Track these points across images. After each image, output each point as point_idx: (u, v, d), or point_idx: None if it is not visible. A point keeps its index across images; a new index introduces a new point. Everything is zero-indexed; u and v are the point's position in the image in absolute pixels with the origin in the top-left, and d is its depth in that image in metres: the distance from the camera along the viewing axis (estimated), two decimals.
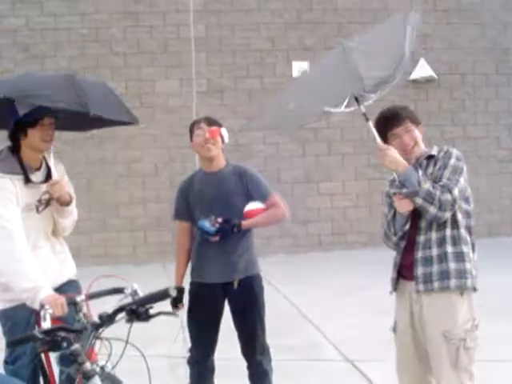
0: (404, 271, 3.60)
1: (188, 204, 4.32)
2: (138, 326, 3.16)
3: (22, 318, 3.70)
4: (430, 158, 3.59)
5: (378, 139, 3.54)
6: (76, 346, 2.80)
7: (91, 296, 3.37)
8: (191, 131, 4.32)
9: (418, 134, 3.65)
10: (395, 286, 3.65)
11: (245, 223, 4.14)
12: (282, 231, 11.50)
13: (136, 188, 12.11)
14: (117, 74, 11.75)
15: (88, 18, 12.05)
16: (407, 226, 3.57)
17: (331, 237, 12.54)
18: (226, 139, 4.32)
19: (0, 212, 3.56)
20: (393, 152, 3.46)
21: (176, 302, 4.21)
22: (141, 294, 3.27)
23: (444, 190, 3.34)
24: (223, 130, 4.30)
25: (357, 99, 3.60)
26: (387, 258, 3.97)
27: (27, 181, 3.73)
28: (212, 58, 12.31)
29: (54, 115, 3.76)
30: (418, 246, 3.51)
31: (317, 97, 3.69)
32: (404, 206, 3.45)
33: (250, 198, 4.22)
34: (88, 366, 2.84)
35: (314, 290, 8.84)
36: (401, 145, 3.58)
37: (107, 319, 2.98)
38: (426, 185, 3.36)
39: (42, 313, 3.18)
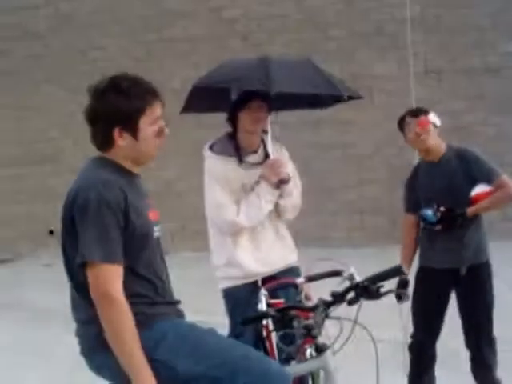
0: None
1: (414, 196, 4.22)
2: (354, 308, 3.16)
3: (242, 299, 3.85)
4: None
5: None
6: (310, 321, 2.86)
7: (310, 278, 3.42)
8: (401, 129, 4.25)
9: None
10: None
11: (470, 210, 3.98)
12: (506, 215, 10.94)
13: (353, 171, 12.09)
14: (331, 58, 11.78)
15: (302, 4, 12.20)
16: None
17: None
18: (438, 123, 4.16)
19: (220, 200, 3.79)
20: None
21: (401, 295, 4.16)
22: (357, 278, 3.25)
23: None
24: (431, 116, 4.14)
25: None
26: None
27: (240, 161, 3.87)
28: (429, 38, 11.94)
29: (263, 98, 3.85)
30: None
31: None
32: None
33: (475, 180, 4.03)
34: (321, 340, 2.89)
35: None
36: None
37: (339, 297, 3.01)
38: None
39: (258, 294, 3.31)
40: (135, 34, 12.54)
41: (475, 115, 11.56)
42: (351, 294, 3.02)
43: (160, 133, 2.78)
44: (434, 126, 4.13)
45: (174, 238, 12.30)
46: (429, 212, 3.99)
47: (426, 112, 4.17)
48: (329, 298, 3.02)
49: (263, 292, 3.42)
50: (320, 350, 2.89)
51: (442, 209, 3.95)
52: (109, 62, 12.04)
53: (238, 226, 3.81)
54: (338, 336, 2.96)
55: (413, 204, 4.25)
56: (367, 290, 2.99)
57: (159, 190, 12.14)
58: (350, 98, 4.00)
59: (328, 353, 2.90)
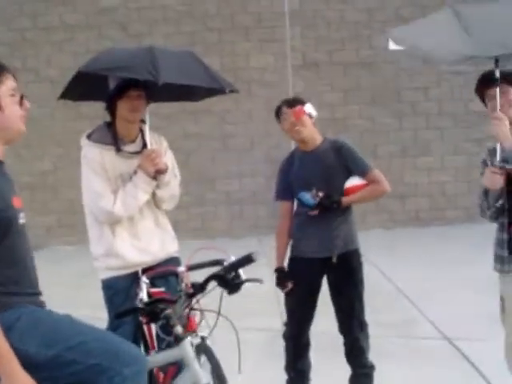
0: None
1: (289, 184, 4.30)
2: (235, 299, 3.20)
3: (121, 290, 3.82)
4: None
5: (498, 106, 3.40)
6: (168, 311, 2.91)
7: (192, 267, 3.43)
8: (278, 118, 4.30)
9: None
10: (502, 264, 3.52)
11: (345, 199, 4.11)
12: (379, 206, 11.38)
13: (232, 162, 12.21)
14: (211, 50, 11.81)
15: None
16: (501, 201, 3.44)
17: (429, 212, 12.28)
18: (314, 113, 4.25)
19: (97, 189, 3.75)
20: (506, 124, 3.34)
21: (282, 283, 4.25)
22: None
23: None
24: (308, 107, 4.22)
25: (497, 61, 3.45)
26: (488, 234, 3.85)
27: (118, 150, 3.84)
28: (307, 32, 12.19)
29: (142, 87, 3.84)
30: None
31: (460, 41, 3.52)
32: (493, 182, 3.34)
33: (349, 173, 4.17)
34: (179, 329, 2.93)
35: (411, 265, 8.71)
36: (493, 106, 3.45)
37: (199, 288, 3.07)
38: None
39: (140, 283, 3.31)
40: (9, 20, 12.08)
41: (351, 107, 11.94)
42: (213, 284, 3.09)
43: (21, 102, 2.73)
44: (310, 116, 4.21)
45: (49, 231, 11.98)
46: (307, 195, 4.08)
47: (302, 102, 4.24)
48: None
49: (144, 280, 3.39)
50: (178, 339, 2.93)
51: (320, 194, 4.05)
52: None
53: (115, 214, 3.77)
54: (215, 326, 3.04)
55: (285, 190, 4.32)
56: (224, 279, 3.08)
57: (34, 182, 11.82)
58: (230, 91, 4.04)
59: (186, 342, 2.93)
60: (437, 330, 6.02)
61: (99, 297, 4.01)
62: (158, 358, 3.17)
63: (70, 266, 9.89)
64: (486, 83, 3.52)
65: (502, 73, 3.48)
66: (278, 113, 4.29)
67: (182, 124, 11.75)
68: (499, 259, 3.52)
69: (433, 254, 9.41)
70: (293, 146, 4.77)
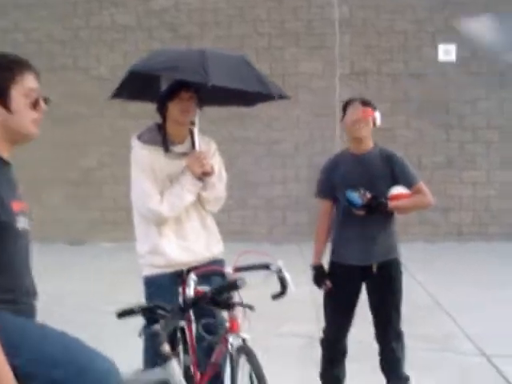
0: None
1: (332, 183, 4.31)
2: (274, 302, 3.22)
3: (163, 286, 3.87)
4: None
5: None
6: (156, 327, 2.91)
7: (239, 269, 3.47)
8: (344, 109, 4.31)
9: None
10: None
11: (392, 204, 4.09)
12: (421, 218, 11.30)
13: (276, 168, 12.22)
14: (261, 55, 11.86)
15: None
16: None
17: (471, 227, 12.12)
18: (379, 122, 4.27)
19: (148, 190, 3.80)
20: None
21: (319, 280, 4.26)
22: (285, 273, 3.41)
23: None
24: (377, 113, 4.25)
25: None
26: None
27: (166, 151, 3.90)
28: (356, 40, 12.16)
29: (194, 89, 3.88)
30: None
31: None
32: None
33: (395, 182, 4.16)
34: (166, 348, 2.90)
35: (451, 279, 8.61)
36: None
37: (190, 305, 3.24)
38: None
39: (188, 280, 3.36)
40: (62, 19, 12.31)
41: (398, 118, 11.85)
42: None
43: (35, 105, 2.60)
44: (374, 122, 4.24)
45: (93, 227, 12.14)
46: (355, 194, 4.08)
47: (374, 107, 4.28)
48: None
49: (193, 277, 3.42)
50: (165, 359, 2.90)
51: (368, 195, 4.05)
52: (33, 44, 11.85)
53: (162, 215, 3.82)
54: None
55: (329, 189, 4.32)
56: (214, 301, 3.17)
57: (79, 178, 12.00)
58: (280, 97, 4.05)
59: (173, 363, 2.91)
60: (475, 346, 5.94)
61: (137, 294, 4.06)
62: (141, 377, 3.14)
63: (110, 262, 10.04)
64: None
65: None
66: (346, 105, 4.30)
67: (230, 128, 11.80)
68: None
69: (474, 270, 9.29)
70: (337, 151, 4.77)
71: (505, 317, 6.72)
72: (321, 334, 4.44)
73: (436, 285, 8.29)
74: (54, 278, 8.30)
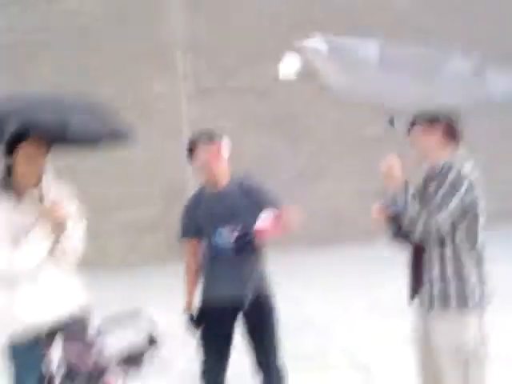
0: None
1: (196, 223, 4.14)
2: None
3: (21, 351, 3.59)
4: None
5: None
6: None
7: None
8: (190, 151, 4.08)
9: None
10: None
11: (258, 236, 3.98)
12: None
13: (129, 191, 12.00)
14: (107, 76, 11.59)
15: None
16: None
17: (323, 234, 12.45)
18: (227, 151, 4.08)
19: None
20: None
21: (197, 324, 4.14)
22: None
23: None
24: (225, 142, 4.07)
25: None
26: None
27: (16, 200, 3.61)
28: (199, 59, 12.22)
29: (44, 133, 3.62)
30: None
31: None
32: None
33: (260, 210, 4.01)
34: None
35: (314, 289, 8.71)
36: None
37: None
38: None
39: None
40: None
41: (246, 135, 11.99)
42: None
43: None
44: (224, 153, 4.06)
45: None
46: (222, 235, 3.99)
47: (220, 138, 4.07)
48: None
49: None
50: None
51: (235, 233, 3.96)
52: None
53: (11, 269, 3.52)
54: None
55: (193, 229, 4.19)
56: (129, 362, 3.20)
57: None
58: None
59: None
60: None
61: None
62: None
63: None
64: None
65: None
66: (192, 146, 4.08)
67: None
68: None
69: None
70: (190, 175, 4.63)
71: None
72: (200, 368, 4.23)
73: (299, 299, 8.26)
74: None
